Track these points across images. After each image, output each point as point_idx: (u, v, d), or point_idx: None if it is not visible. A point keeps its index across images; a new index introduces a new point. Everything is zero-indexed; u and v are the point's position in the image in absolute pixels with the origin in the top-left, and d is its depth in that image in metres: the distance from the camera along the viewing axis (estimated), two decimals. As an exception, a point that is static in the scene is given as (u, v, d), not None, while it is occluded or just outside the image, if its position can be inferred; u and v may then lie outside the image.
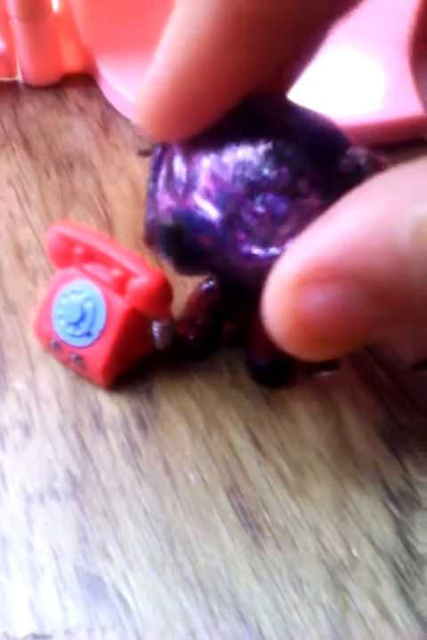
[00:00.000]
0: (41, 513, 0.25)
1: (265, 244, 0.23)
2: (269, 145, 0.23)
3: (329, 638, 0.22)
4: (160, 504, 0.25)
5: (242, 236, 0.23)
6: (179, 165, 0.24)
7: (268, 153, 0.23)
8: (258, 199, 0.23)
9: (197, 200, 0.24)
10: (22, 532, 0.25)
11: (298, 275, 0.17)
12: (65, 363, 0.29)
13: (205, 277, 0.29)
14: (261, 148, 0.23)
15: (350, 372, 0.30)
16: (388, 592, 0.23)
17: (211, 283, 0.29)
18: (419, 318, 0.18)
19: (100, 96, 0.46)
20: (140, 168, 0.41)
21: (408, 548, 0.24)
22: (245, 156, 0.23)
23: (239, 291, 0.27)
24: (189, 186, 0.24)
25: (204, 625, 0.23)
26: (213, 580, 0.24)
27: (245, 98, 0.23)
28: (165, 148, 0.25)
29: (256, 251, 0.23)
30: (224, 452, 0.27)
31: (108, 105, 0.45)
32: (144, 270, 0.27)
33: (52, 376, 0.29)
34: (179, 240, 0.24)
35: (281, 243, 0.23)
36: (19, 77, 0.48)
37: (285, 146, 0.23)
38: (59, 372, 0.30)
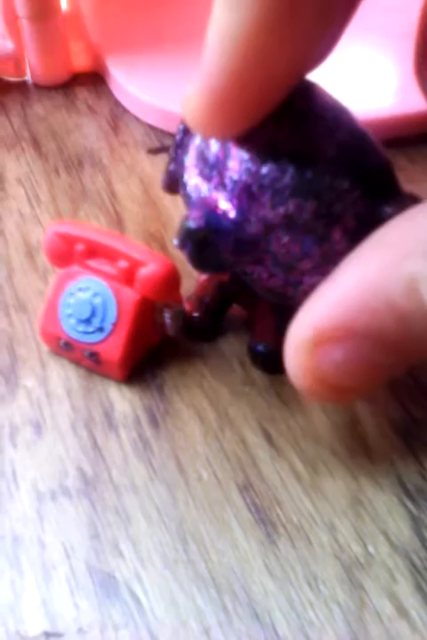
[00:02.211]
0: (53, 511, 0.25)
1: (285, 271, 0.24)
2: (313, 180, 0.22)
3: (346, 636, 0.22)
4: (173, 501, 0.25)
5: (265, 258, 0.24)
6: (215, 149, 0.24)
7: (309, 190, 0.22)
8: (288, 229, 0.23)
9: (227, 207, 0.23)
10: (34, 529, 0.25)
11: (311, 337, 0.19)
12: (77, 361, 0.29)
13: None
14: (305, 181, 0.22)
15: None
16: (404, 589, 0.23)
17: None
18: None
19: (109, 95, 0.46)
20: (149, 166, 0.40)
21: (425, 544, 0.24)
22: (286, 185, 0.22)
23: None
24: (223, 183, 0.23)
25: (218, 623, 0.22)
26: (226, 578, 0.23)
27: (293, 93, 0.22)
28: (187, 132, 0.25)
29: (275, 273, 0.24)
30: (237, 449, 0.27)
31: (117, 104, 0.45)
32: (152, 258, 0.27)
33: (63, 374, 0.29)
34: (202, 246, 0.24)
35: (301, 273, 0.23)
36: (28, 77, 0.48)
37: (331, 189, 0.22)
38: (70, 370, 0.29)
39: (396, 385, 0.29)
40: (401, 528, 0.24)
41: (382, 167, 0.23)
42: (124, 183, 0.39)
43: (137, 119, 0.44)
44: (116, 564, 0.24)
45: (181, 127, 0.26)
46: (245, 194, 0.23)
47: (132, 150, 0.42)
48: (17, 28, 0.45)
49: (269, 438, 0.27)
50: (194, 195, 0.24)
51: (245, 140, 0.23)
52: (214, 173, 0.24)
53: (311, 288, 0.21)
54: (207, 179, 0.24)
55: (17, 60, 0.47)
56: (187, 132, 0.25)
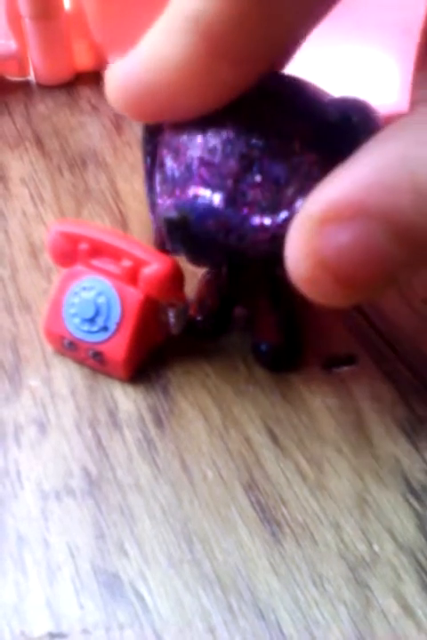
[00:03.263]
0: (57, 510, 0.25)
1: (274, 210, 0.23)
2: (253, 116, 0.22)
3: (351, 635, 0.22)
4: (177, 501, 0.25)
5: (248, 211, 0.23)
6: (169, 162, 0.24)
7: (253, 123, 0.22)
8: (254, 169, 0.23)
9: (195, 190, 0.24)
10: (38, 529, 0.24)
11: (320, 213, 0.17)
12: (81, 361, 0.29)
13: None
14: (245, 120, 0.22)
15: (370, 366, 0.30)
16: (410, 588, 0.23)
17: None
18: None
19: (112, 94, 0.46)
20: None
21: (431, 543, 0.24)
22: (231, 132, 0.23)
23: (245, 274, 0.27)
24: (183, 179, 0.24)
25: (223, 622, 0.22)
26: (231, 577, 0.23)
27: None
28: (154, 154, 0.25)
29: (266, 220, 0.23)
30: (242, 448, 0.27)
31: (120, 103, 0.45)
32: (155, 257, 0.27)
33: (67, 373, 0.29)
34: (186, 230, 0.24)
35: (289, 204, 0.23)
36: (31, 77, 0.48)
37: (267, 112, 0.22)
38: (74, 370, 0.29)
39: (401, 384, 0.29)
40: (407, 526, 0.24)
41: (311, 85, 0.24)
42: (128, 182, 0.39)
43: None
44: (121, 564, 0.24)
45: (146, 183, 0.26)
46: (202, 166, 0.23)
47: (136, 149, 0.42)
48: (20, 28, 0.45)
49: (273, 437, 0.27)
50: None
51: (182, 126, 0.23)
52: (176, 180, 0.24)
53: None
54: (173, 192, 0.24)
55: (20, 59, 0.47)
56: (150, 179, 0.26)
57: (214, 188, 0.23)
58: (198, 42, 0.19)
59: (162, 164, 0.25)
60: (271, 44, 0.20)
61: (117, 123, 0.44)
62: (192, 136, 0.23)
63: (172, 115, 0.23)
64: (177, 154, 0.24)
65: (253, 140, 0.22)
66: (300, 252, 0.18)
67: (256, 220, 0.23)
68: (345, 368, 0.29)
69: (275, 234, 0.23)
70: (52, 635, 0.22)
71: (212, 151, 0.23)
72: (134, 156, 0.41)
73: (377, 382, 0.29)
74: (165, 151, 0.25)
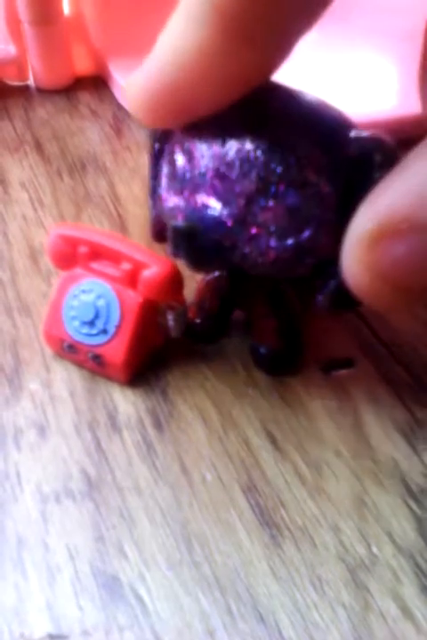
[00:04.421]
0: (57, 513, 0.25)
1: (281, 236, 0.23)
2: (274, 138, 0.22)
3: (350, 638, 0.22)
4: (177, 503, 0.25)
5: (256, 232, 0.23)
6: (181, 162, 0.24)
7: (273, 146, 0.22)
8: (269, 193, 0.23)
9: (205, 199, 0.24)
10: (38, 532, 0.25)
11: (373, 229, 0.18)
12: (80, 364, 0.29)
13: None
14: (266, 141, 0.22)
15: (369, 369, 0.30)
16: (409, 590, 0.23)
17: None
18: None
19: (111, 98, 0.46)
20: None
21: (430, 545, 0.24)
22: (250, 151, 0.23)
23: (247, 279, 0.27)
24: (195, 184, 0.24)
25: (222, 624, 0.22)
26: (231, 580, 0.23)
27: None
28: (163, 142, 0.25)
29: (272, 244, 0.23)
30: (241, 451, 0.27)
31: (119, 107, 0.46)
32: (154, 260, 0.27)
33: (66, 376, 0.29)
34: (192, 241, 0.24)
35: (297, 232, 0.23)
36: (31, 81, 0.48)
37: (289, 137, 0.22)
38: (73, 373, 0.29)
39: (400, 387, 0.29)
40: (405, 529, 0.24)
41: (337, 114, 0.24)
42: (127, 186, 0.39)
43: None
44: (121, 566, 0.24)
45: (150, 170, 0.26)
46: (217, 178, 0.23)
47: (135, 153, 0.42)
48: (20, 33, 0.45)
49: (272, 440, 0.27)
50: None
51: (200, 130, 0.23)
52: (186, 182, 0.24)
53: (311, 241, 0.22)
54: (181, 191, 0.24)
55: (20, 64, 0.47)
56: (155, 166, 0.26)
57: (225, 203, 0.23)
58: (217, 24, 0.20)
59: (172, 160, 0.25)
60: (289, 25, 0.21)
61: (117, 127, 0.44)
62: (210, 143, 0.23)
63: (195, 111, 0.22)
64: (191, 156, 0.24)
65: (273, 165, 0.22)
66: (359, 267, 0.18)
67: (263, 243, 0.23)
68: (344, 371, 0.30)
69: (277, 257, 0.24)
70: (51, 636, 0.22)
71: (229, 165, 0.23)
72: (134, 160, 0.41)
73: (376, 385, 0.29)
74: (177, 147, 0.24)
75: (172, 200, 0.25)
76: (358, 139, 0.22)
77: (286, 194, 0.23)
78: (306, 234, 0.23)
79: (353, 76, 0.45)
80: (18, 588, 0.23)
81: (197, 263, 0.25)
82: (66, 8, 0.46)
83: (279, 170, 0.22)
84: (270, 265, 0.24)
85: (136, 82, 0.22)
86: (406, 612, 0.22)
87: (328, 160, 0.23)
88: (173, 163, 0.25)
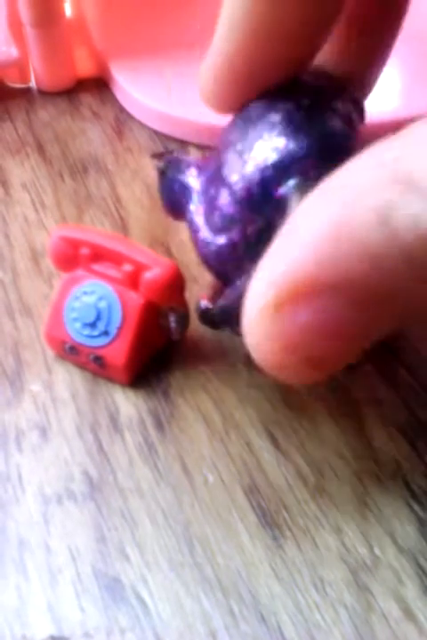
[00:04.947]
0: (58, 514, 0.25)
1: (211, 230, 0.25)
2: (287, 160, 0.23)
3: (352, 639, 0.22)
4: (178, 504, 0.25)
5: (199, 214, 0.26)
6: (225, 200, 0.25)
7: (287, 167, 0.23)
8: (222, 192, 0.24)
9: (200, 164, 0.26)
10: (40, 533, 0.25)
11: (272, 298, 0.16)
12: (82, 365, 0.29)
13: None
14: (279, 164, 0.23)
15: (371, 371, 0.30)
16: (412, 592, 0.23)
17: None
18: (410, 314, 0.16)
19: (113, 100, 0.46)
20: (154, 171, 0.40)
21: (432, 546, 0.24)
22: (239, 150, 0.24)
23: None
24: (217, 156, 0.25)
25: (224, 626, 0.22)
26: (232, 581, 0.23)
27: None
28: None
29: (203, 234, 0.25)
30: (243, 452, 0.27)
31: (121, 109, 0.46)
32: (156, 262, 0.27)
33: (68, 378, 0.29)
34: (162, 181, 0.27)
35: (216, 234, 0.25)
36: (32, 84, 0.48)
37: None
38: (75, 374, 0.29)
39: (402, 388, 0.29)
40: (408, 530, 0.24)
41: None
42: (129, 188, 0.39)
43: (141, 124, 0.44)
44: (122, 568, 0.24)
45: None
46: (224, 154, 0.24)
47: (137, 155, 0.42)
48: (21, 35, 0.45)
49: (274, 441, 0.27)
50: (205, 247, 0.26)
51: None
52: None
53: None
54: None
55: (21, 66, 0.47)
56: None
57: (203, 177, 0.26)
58: None
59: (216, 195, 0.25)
60: None
61: (119, 129, 0.44)
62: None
63: (256, 84, 0.23)
64: (217, 193, 0.25)
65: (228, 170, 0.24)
66: (262, 340, 0.17)
67: (196, 219, 0.26)
68: (346, 373, 0.30)
69: (203, 251, 0.26)
70: (53, 638, 0.22)
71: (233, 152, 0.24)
72: (135, 162, 0.41)
73: (378, 387, 0.29)
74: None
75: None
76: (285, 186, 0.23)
77: (224, 198, 0.24)
78: (220, 241, 0.24)
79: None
80: (19, 589, 0.23)
81: (163, 203, 0.28)
82: (67, 10, 0.46)
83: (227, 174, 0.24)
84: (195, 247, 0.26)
85: (204, 72, 0.24)
86: (408, 613, 0.22)
87: (255, 196, 0.23)
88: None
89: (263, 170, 0.22)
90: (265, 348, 0.17)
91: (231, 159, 0.24)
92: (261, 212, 0.23)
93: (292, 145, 0.22)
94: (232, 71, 0.23)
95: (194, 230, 0.25)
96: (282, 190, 0.22)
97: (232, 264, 0.24)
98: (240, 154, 0.23)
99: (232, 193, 0.23)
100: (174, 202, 0.27)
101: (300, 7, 0.21)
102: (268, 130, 0.23)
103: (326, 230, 0.15)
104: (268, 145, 0.22)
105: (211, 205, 0.25)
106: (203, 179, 0.26)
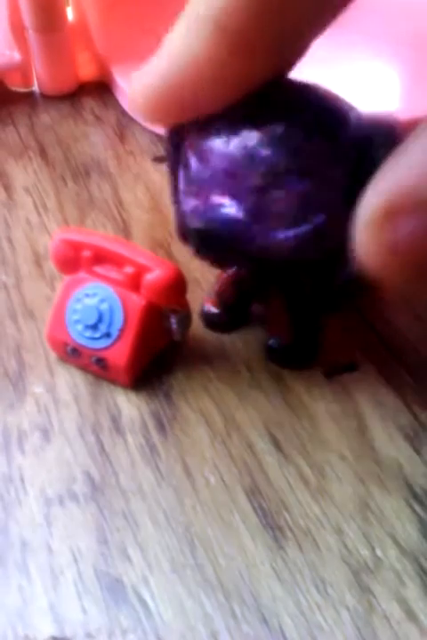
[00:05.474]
0: (60, 516, 0.25)
1: (295, 223, 0.24)
2: (277, 130, 0.23)
3: (354, 640, 0.22)
4: (180, 506, 0.25)
5: (270, 224, 0.24)
6: (195, 166, 0.25)
7: (276, 139, 0.23)
8: (277, 185, 0.23)
9: (219, 198, 0.24)
10: (42, 534, 0.25)
11: (383, 207, 0.18)
12: (84, 367, 0.29)
13: None
14: (269, 134, 0.23)
15: (372, 372, 0.30)
16: (413, 593, 0.23)
17: None
18: None
19: (115, 104, 0.46)
20: (156, 174, 0.41)
21: (433, 548, 0.24)
22: (255, 146, 0.23)
23: (265, 272, 0.27)
24: (208, 184, 0.24)
25: (226, 627, 0.22)
26: (234, 582, 0.23)
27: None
28: (177, 142, 0.26)
29: (289, 233, 0.24)
30: (244, 454, 0.27)
31: (123, 113, 0.46)
32: (157, 264, 0.27)
33: (70, 380, 0.29)
34: (211, 240, 0.24)
35: (310, 218, 0.24)
36: (35, 88, 0.48)
37: (291, 127, 0.23)
38: (77, 377, 0.29)
39: (403, 390, 0.29)
40: (409, 531, 0.24)
41: (338, 101, 0.24)
42: (131, 191, 0.39)
43: (143, 128, 0.44)
44: (124, 569, 0.24)
45: (170, 172, 0.27)
46: (227, 176, 0.24)
47: (139, 158, 0.42)
48: (24, 40, 0.45)
49: (276, 443, 0.27)
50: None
51: (207, 130, 0.24)
52: (200, 183, 0.24)
53: (325, 226, 0.23)
54: (197, 193, 0.25)
55: (24, 70, 0.47)
56: (174, 168, 0.26)
57: (238, 200, 0.24)
58: (218, 37, 0.21)
59: (187, 164, 0.25)
60: (283, 41, 0.21)
61: (121, 132, 0.44)
62: (217, 144, 0.24)
63: (194, 110, 0.23)
64: (202, 158, 0.24)
65: (277, 157, 0.23)
66: (372, 246, 0.18)
67: (278, 234, 0.24)
68: (347, 374, 0.30)
69: (296, 246, 0.24)
70: (55, 639, 0.22)
71: (237, 163, 0.23)
72: (137, 165, 0.41)
73: (379, 388, 0.29)
74: (189, 152, 0.25)
75: (190, 202, 0.25)
76: (356, 123, 0.23)
77: (294, 183, 0.23)
78: (319, 219, 0.23)
79: (356, 80, 0.45)
80: (22, 590, 0.23)
81: (219, 260, 0.26)
82: (70, 15, 0.46)
83: (284, 161, 0.23)
84: (289, 253, 0.24)
85: (139, 79, 0.23)
86: (409, 614, 0.22)
87: (329, 146, 0.23)
88: (187, 165, 0.25)
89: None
90: (375, 251, 0.18)
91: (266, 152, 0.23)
92: (342, 165, 0.23)
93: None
94: (173, 98, 0.23)
95: (279, 243, 0.24)
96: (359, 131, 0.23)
97: (337, 235, 0.23)
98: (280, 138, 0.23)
99: (303, 172, 0.23)
100: (230, 249, 0.25)
101: (256, 60, 0.22)
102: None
103: None
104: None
105: (285, 204, 0.24)
106: (245, 203, 0.24)
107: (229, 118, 0.23)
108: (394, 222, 0.18)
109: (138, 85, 0.23)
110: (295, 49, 0.23)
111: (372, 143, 0.22)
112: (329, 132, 0.23)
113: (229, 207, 0.24)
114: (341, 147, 0.23)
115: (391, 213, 0.18)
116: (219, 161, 0.24)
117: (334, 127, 0.23)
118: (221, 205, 0.24)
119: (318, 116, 0.23)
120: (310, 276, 0.29)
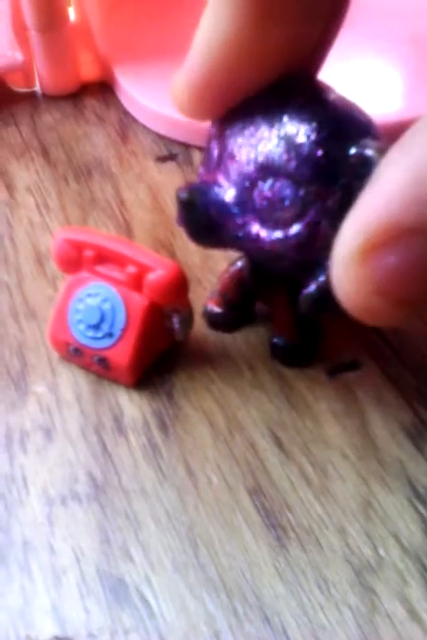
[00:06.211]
0: (63, 516, 0.25)
1: (271, 227, 0.24)
2: (284, 129, 0.23)
3: (357, 640, 0.22)
4: (182, 506, 0.25)
5: (251, 218, 0.24)
6: (213, 142, 0.25)
7: (281, 138, 0.23)
8: (268, 182, 0.23)
9: (219, 177, 0.25)
10: (44, 534, 0.25)
11: (360, 244, 0.17)
12: (86, 367, 0.29)
13: (239, 255, 0.29)
14: (276, 131, 0.23)
15: (375, 371, 0.30)
16: (416, 592, 0.23)
17: (242, 260, 0.30)
18: None
19: (117, 104, 0.46)
20: (158, 174, 0.41)
21: (436, 547, 0.24)
22: (260, 139, 0.23)
23: (268, 271, 0.27)
24: (215, 163, 0.25)
25: (228, 627, 0.22)
26: (236, 582, 0.23)
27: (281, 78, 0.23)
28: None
29: (262, 233, 0.24)
30: (246, 453, 0.27)
31: (125, 113, 0.46)
32: (159, 263, 0.27)
33: (72, 380, 0.29)
34: (191, 211, 0.25)
35: (285, 226, 0.24)
36: (37, 88, 0.48)
37: (297, 130, 0.23)
38: (79, 376, 0.29)
39: (406, 389, 0.29)
40: (412, 530, 0.24)
41: (357, 118, 0.24)
42: (133, 191, 0.39)
43: (145, 128, 0.44)
44: (126, 569, 0.24)
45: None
46: (229, 159, 0.24)
47: (141, 158, 0.42)
48: (26, 40, 0.45)
49: (278, 442, 0.27)
50: None
51: (228, 116, 0.25)
52: (210, 161, 0.25)
53: (300, 238, 0.23)
54: (206, 170, 0.26)
55: (26, 70, 0.47)
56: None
57: (233, 184, 0.24)
58: (247, 6, 0.21)
59: (208, 147, 0.26)
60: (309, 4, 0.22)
61: (123, 132, 0.44)
62: (235, 125, 0.24)
63: (233, 94, 0.24)
64: (221, 134, 0.25)
65: (276, 156, 0.23)
66: (352, 284, 0.18)
67: (254, 229, 0.24)
68: (350, 373, 0.30)
69: (264, 248, 0.24)
70: (57, 638, 0.22)
71: (240, 148, 0.24)
72: (139, 165, 0.41)
73: (382, 387, 0.29)
74: (213, 128, 0.26)
75: (201, 175, 0.26)
76: (362, 146, 0.23)
77: (283, 186, 0.23)
78: (295, 229, 0.24)
79: (357, 80, 0.45)
80: (24, 590, 0.23)
81: (194, 235, 0.26)
82: (72, 14, 0.46)
83: (280, 162, 0.23)
84: (264, 255, 0.25)
85: (179, 80, 0.24)
86: (412, 613, 0.22)
87: (328, 162, 0.23)
88: (208, 149, 0.26)
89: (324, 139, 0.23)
90: (356, 293, 0.18)
91: (272, 149, 0.23)
92: (336, 180, 0.23)
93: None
94: (211, 85, 0.23)
95: (253, 240, 0.24)
96: (359, 150, 0.22)
97: (319, 244, 0.23)
98: (287, 139, 0.23)
99: (293, 176, 0.23)
100: (210, 227, 0.25)
101: (284, 28, 0.22)
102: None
103: (408, 176, 0.16)
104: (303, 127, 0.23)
105: (268, 203, 0.24)
106: (235, 188, 0.24)
107: (250, 106, 0.24)
108: (375, 258, 0.17)
109: (178, 85, 0.24)
110: (322, 15, 0.23)
111: (370, 169, 0.22)
112: (339, 145, 0.23)
113: (222, 187, 0.24)
114: (338, 164, 0.23)
115: (371, 249, 0.17)
116: (228, 140, 0.24)
117: (344, 139, 0.23)
118: (216, 183, 0.25)
119: (334, 124, 0.23)
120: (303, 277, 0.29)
